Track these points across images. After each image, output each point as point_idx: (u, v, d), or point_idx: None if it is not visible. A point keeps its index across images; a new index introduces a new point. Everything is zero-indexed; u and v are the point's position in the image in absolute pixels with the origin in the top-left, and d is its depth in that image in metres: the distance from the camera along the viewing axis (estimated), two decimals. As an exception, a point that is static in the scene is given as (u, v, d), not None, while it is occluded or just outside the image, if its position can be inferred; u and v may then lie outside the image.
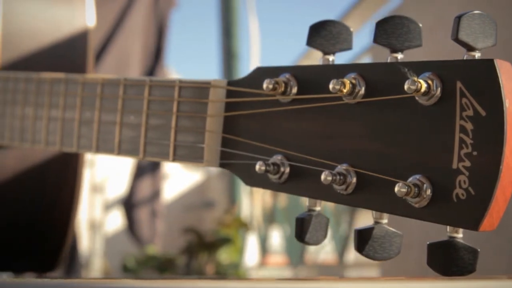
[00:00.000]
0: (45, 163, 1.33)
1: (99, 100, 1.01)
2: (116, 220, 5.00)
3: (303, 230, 0.80)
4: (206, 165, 0.85)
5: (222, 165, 0.85)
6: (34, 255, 1.38)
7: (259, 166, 0.79)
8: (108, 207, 5.13)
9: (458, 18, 0.70)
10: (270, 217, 3.75)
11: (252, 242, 3.80)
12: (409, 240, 2.02)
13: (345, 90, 0.74)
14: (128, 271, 2.75)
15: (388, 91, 0.73)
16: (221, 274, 2.38)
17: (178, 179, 5.34)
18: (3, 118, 1.21)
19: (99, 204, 5.11)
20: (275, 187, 0.81)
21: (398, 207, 0.71)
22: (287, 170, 0.79)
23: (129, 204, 3.21)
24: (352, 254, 2.75)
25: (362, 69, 0.75)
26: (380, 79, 0.74)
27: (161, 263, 2.53)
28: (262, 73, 0.82)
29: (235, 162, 0.83)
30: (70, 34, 1.35)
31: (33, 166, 1.33)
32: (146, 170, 3.33)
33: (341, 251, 2.62)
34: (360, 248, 0.75)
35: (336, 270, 2.68)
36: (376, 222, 0.76)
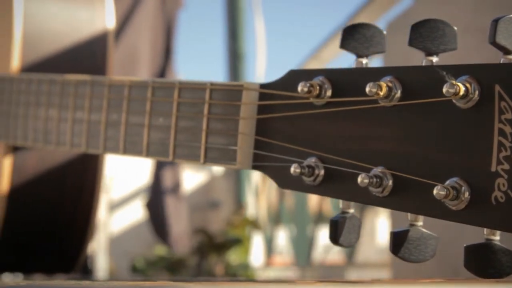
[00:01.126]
0: (65, 165, 1.34)
1: (126, 102, 1.01)
2: (121, 221, 5.01)
3: (337, 233, 0.80)
4: (238, 167, 0.86)
5: (254, 167, 0.85)
6: (54, 256, 1.38)
7: (294, 169, 0.79)
8: (112, 207, 5.14)
9: (496, 22, 0.71)
10: (276, 218, 3.75)
11: (257, 243, 3.81)
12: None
13: (381, 93, 0.74)
14: (137, 271, 2.75)
15: (425, 94, 0.73)
16: (231, 274, 2.38)
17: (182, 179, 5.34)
18: (26, 120, 1.21)
19: (104, 204, 5.11)
20: (309, 190, 0.81)
21: (436, 209, 0.72)
22: (322, 172, 0.80)
23: (153, 204, 3.22)
24: (360, 255, 2.75)
25: (398, 72, 0.75)
26: (417, 82, 0.74)
27: (170, 263, 2.53)
28: (295, 76, 0.83)
29: (268, 165, 0.84)
30: (90, 35, 1.35)
31: (53, 167, 1.33)
32: (166, 167, 3.34)
33: (350, 251, 2.62)
34: (395, 250, 0.76)
35: (344, 271, 2.69)
36: (411, 225, 0.76)
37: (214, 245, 2.30)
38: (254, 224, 2.43)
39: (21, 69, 1.30)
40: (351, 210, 0.81)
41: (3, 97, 1.28)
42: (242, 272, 2.41)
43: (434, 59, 0.76)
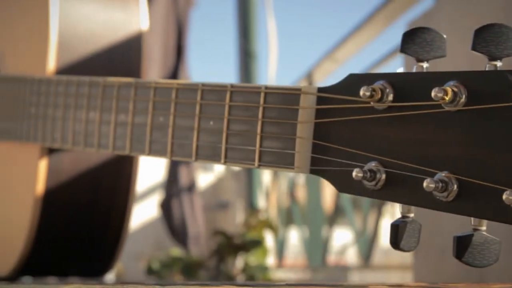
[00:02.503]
0: (100, 167, 1.33)
1: (173, 105, 1.01)
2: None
3: (398, 237, 0.80)
4: (296, 171, 0.85)
5: (312, 171, 0.85)
6: (87, 259, 1.38)
7: (356, 173, 0.79)
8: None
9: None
10: (287, 219, 3.75)
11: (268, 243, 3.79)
12: (446, 243, 2.01)
13: (447, 98, 0.74)
14: (152, 273, 2.75)
15: (490, 99, 0.73)
16: (249, 276, 2.38)
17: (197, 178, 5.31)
18: (65, 122, 1.21)
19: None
20: (370, 194, 0.81)
21: (505, 215, 0.71)
22: (383, 177, 0.79)
23: (168, 204, 3.21)
24: (377, 256, 2.74)
25: (462, 77, 0.75)
26: (482, 87, 0.74)
27: (187, 265, 2.53)
28: (355, 80, 0.82)
29: (327, 169, 0.83)
30: (125, 37, 1.35)
31: (88, 170, 1.33)
32: (181, 165, 3.33)
33: (367, 252, 2.61)
34: (459, 255, 0.75)
35: (361, 272, 2.67)
36: (475, 229, 0.76)
37: (234, 247, 2.29)
38: (271, 226, 2.42)
39: (56, 71, 1.29)
40: (411, 215, 0.80)
41: (39, 99, 1.28)
42: (261, 274, 2.40)
43: (498, 63, 0.75)
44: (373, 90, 0.79)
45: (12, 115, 1.33)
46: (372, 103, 0.80)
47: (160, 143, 1.03)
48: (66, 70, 1.30)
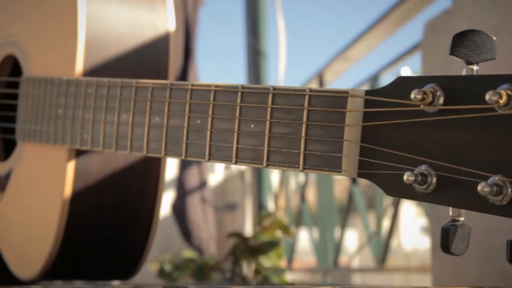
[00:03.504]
0: (127, 168, 1.32)
1: (211, 107, 1.00)
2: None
3: (448, 241, 0.79)
4: (343, 175, 0.85)
5: (360, 175, 0.84)
6: (114, 262, 1.37)
7: (407, 177, 0.78)
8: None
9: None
10: (297, 220, 3.73)
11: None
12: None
13: (501, 101, 0.73)
14: (164, 276, 2.73)
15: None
16: (264, 279, 2.37)
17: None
18: (96, 124, 1.20)
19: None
20: (421, 197, 0.80)
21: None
22: (434, 180, 0.78)
23: (180, 206, 3.19)
24: (391, 259, 2.71)
25: (517, 79, 0.74)
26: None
27: (199, 268, 2.52)
28: (405, 83, 0.81)
29: (375, 172, 0.82)
30: (153, 38, 1.34)
31: (115, 172, 1.32)
32: (192, 166, 3.32)
33: (382, 255, 2.59)
34: (512, 260, 0.75)
35: (375, 275, 2.65)
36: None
37: (250, 249, 2.28)
38: (285, 228, 2.41)
39: (84, 72, 1.28)
40: (462, 218, 0.80)
41: (67, 101, 1.27)
42: (276, 277, 2.39)
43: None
44: (424, 93, 0.78)
45: (39, 116, 1.33)
46: (422, 106, 0.79)
47: (198, 145, 1.02)
48: (93, 71, 1.29)
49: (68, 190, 1.28)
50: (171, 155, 1.07)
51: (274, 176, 4.14)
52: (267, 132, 0.92)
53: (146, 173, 1.33)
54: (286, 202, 4.01)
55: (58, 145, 1.28)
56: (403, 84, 0.82)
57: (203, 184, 3.36)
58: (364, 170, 0.83)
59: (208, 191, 3.48)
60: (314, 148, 0.87)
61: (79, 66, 1.28)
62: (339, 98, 0.85)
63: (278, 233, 2.58)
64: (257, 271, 2.42)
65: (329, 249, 3.32)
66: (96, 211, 1.31)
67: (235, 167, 5.47)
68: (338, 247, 3.13)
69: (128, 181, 1.32)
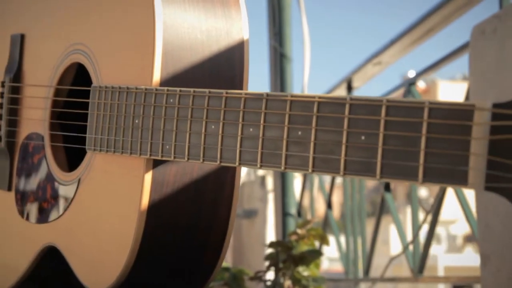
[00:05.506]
0: (202, 179, 1.31)
1: (315, 119, 0.98)
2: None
3: None
4: (470, 188, 0.83)
5: (488, 188, 0.82)
6: (186, 274, 1.35)
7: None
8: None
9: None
10: (323, 227, 3.71)
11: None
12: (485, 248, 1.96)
13: None
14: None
15: None
16: (305, 288, 2.34)
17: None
18: (180, 135, 1.18)
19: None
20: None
21: None
22: None
23: None
24: (429, 269, 2.68)
25: None
26: None
27: (233, 277, 2.49)
28: (537, 95, 0.80)
29: (505, 186, 0.81)
30: (228, 46, 1.32)
31: (191, 182, 1.30)
32: None
33: (420, 263, 2.57)
34: None
35: (411, 286, 2.61)
36: None
37: (292, 258, 2.26)
38: (322, 237, 2.39)
39: (161, 82, 1.27)
40: None
41: (145, 111, 1.25)
42: (317, 286, 2.36)
43: None
44: (562, 106, 0.77)
45: (112, 126, 1.31)
46: (557, 119, 0.77)
47: (299, 157, 1.00)
48: (169, 80, 1.27)
49: (145, 201, 1.26)
50: (268, 167, 1.05)
51: (296, 181, 4.12)
52: (380, 144, 0.90)
53: (221, 184, 1.32)
54: (311, 209, 3.98)
55: (135, 155, 1.26)
56: (535, 97, 0.80)
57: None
58: (493, 183, 0.82)
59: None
60: (435, 160, 0.86)
61: (157, 75, 1.26)
62: (464, 111, 0.84)
63: (315, 242, 2.55)
64: (297, 281, 2.39)
65: (359, 257, 3.29)
66: (172, 223, 1.29)
67: (250, 171, 5.44)
68: (370, 255, 3.10)
69: (203, 191, 1.31)
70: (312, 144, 0.98)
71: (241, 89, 1.33)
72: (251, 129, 1.07)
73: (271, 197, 4.64)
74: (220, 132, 1.12)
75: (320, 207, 4.37)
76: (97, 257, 1.35)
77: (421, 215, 2.73)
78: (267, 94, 1.06)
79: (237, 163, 1.09)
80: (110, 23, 1.38)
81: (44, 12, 1.58)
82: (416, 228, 2.68)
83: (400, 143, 0.89)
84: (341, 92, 3.43)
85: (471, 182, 0.82)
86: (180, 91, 1.20)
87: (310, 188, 3.97)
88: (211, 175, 1.31)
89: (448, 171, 0.84)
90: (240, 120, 1.09)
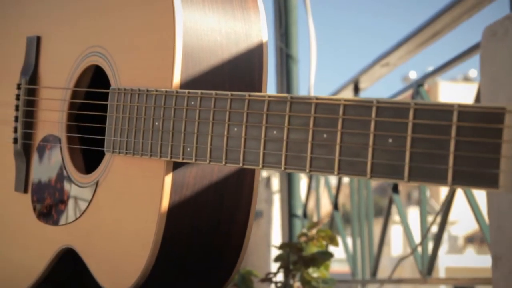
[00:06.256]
0: (222, 181, 1.31)
1: (341, 121, 0.98)
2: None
3: None
4: (501, 191, 0.83)
5: (518, 192, 0.82)
6: (205, 276, 1.35)
7: None
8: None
9: None
10: (330, 228, 3.71)
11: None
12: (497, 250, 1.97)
13: None
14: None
15: None
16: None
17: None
18: (202, 137, 1.19)
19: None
20: None
21: None
22: None
23: None
24: (441, 270, 2.66)
25: None
26: None
27: (242, 278, 2.49)
28: None
29: (536, 189, 0.81)
30: (247, 48, 1.32)
31: (211, 184, 1.30)
32: None
33: (428, 264, 2.56)
34: None
35: (420, 287, 2.60)
36: None
37: (303, 260, 2.26)
38: (332, 238, 2.39)
39: (181, 84, 1.27)
40: None
41: (166, 113, 1.25)
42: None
43: None
44: None
45: (134, 129, 1.31)
46: None
47: (324, 160, 1.00)
48: (189, 83, 1.27)
49: (165, 203, 1.26)
50: (292, 169, 1.05)
51: (305, 184, 4.12)
52: (408, 147, 0.91)
53: (240, 186, 1.32)
54: (317, 210, 3.98)
55: (155, 158, 1.27)
56: None
57: None
58: (524, 186, 0.82)
59: None
60: (464, 163, 0.86)
61: (177, 78, 1.26)
62: (494, 115, 0.84)
63: (323, 243, 2.55)
64: (306, 282, 2.39)
65: (366, 258, 3.29)
66: (192, 225, 1.30)
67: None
68: (377, 256, 3.10)
69: (222, 193, 1.31)
70: (338, 147, 0.99)
71: (260, 91, 1.33)
72: (274, 132, 1.08)
73: (276, 198, 4.65)
74: (243, 134, 1.12)
75: (324, 207, 4.38)
76: (116, 259, 1.35)
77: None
78: (291, 97, 1.06)
79: (260, 166, 1.09)
80: (130, 26, 1.38)
81: (61, 14, 1.59)
82: (425, 230, 2.68)
83: (429, 146, 0.89)
84: (348, 93, 3.43)
85: (502, 184, 0.83)
86: (202, 93, 1.20)
87: (316, 189, 3.97)
88: (230, 177, 1.31)
89: (478, 174, 0.85)
90: (264, 122, 1.09)
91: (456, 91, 19.24)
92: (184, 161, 1.22)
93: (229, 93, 1.16)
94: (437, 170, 0.88)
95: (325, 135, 1.01)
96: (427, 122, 0.89)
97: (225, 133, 1.15)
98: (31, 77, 1.61)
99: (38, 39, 1.62)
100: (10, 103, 1.65)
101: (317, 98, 1.02)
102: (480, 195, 2.32)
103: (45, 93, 1.59)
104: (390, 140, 0.93)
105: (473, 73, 21.74)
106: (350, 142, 0.97)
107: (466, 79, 21.79)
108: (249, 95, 1.12)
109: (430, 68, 2.76)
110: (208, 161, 1.18)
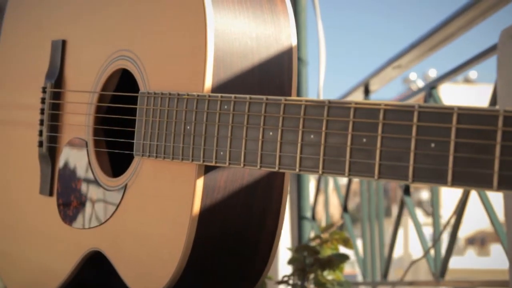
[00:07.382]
0: (253, 185, 1.31)
1: (381, 126, 0.99)
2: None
3: None
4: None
5: None
6: (234, 282, 1.36)
7: None
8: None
9: None
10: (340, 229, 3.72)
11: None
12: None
13: None
14: None
15: None
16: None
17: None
18: (235, 141, 1.19)
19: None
20: None
21: None
22: None
23: None
24: (451, 272, 2.67)
25: None
26: None
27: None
28: None
29: None
30: (277, 52, 1.33)
31: (241, 188, 1.30)
32: None
33: (442, 266, 2.57)
34: None
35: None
36: None
37: (320, 262, 2.27)
38: (346, 241, 2.39)
39: (212, 88, 1.27)
40: None
41: (197, 117, 1.26)
42: (343, 291, 2.37)
43: None
44: None
45: (164, 133, 1.31)
46: None
47: (364, 164, 1.01)
48: (220, 87, 1.28)
49: (197, 206, 1.27)
50: (330, 173, 1.06)
51: (313, 186, 4.12)
52: (451, 152, 0.91)
53: (270, 190, 1.32)
54: (326, 212, 3.99)
55: (186, 161, 1.27)
56: None
57: None
58: None
59: None
60: (510, 168, 0.86)
61: (208, 82, 1.27)
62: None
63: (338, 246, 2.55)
64: (321, 285, 2.39)
65: (376, 260, 3.30)
66: (223, 229, 1.30)
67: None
68: (388, 259, 3.11)
69: (253, 197, 1.31)
70: (378, 151, 0.99)
71: (290, 95, 1.33)
72: (311, 136, 1.08)
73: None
74: (279, 138, 1.13)
75: (332, 209, 4.38)
76: (146, 262, 1.36)
77: (422, 218, 2.75)
78: (329, 101, 1.06)
79: (297, 169, 1.10)
80: (159, 29, 1.38)
81: (86, 18, 1.59)
82: (438, 232, 2.68)
83: (473, 150, 0.90)
84: (359, 95, 3.44)
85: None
86: (235, 97, 1.20)
87: (325, 191, 3.97)
88: (261, 181, 1.32)
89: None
90: (300, 127, 1.10)
91: (457, 92, 19.27)
92: (217, 164, 1.23)
93: (264, 97, 1.16)
94: (482, 175, 0.89)
95: (364, 140, 1.01)
96: (471, 127, 0.90)
97: (260, 137, 1.16)
98: (57, 80, 1.62)
99: (64, 42, 1.63)
100: (35, 106, 1.65)
101: (356, 103, 1.03)
102: (494, 198, 2.33)
103: (71, 97, 1.60)
104: (432, 145, 0.93)
105: (474, 74, 21.78)
106: (391, 147, 0.98)
107: (467, 80, 21.82)
108: (285, 100, 1.13)
109: (431, 71, 2.76)
110: (242, 165, 1.18)
